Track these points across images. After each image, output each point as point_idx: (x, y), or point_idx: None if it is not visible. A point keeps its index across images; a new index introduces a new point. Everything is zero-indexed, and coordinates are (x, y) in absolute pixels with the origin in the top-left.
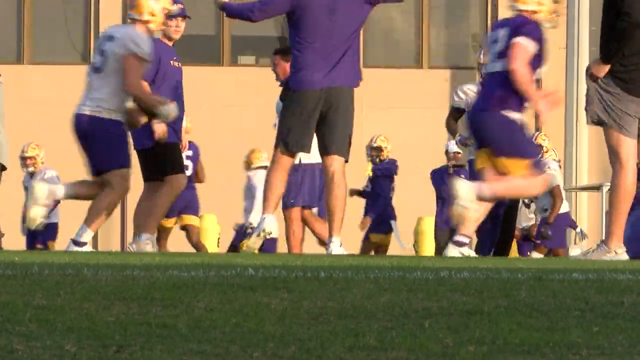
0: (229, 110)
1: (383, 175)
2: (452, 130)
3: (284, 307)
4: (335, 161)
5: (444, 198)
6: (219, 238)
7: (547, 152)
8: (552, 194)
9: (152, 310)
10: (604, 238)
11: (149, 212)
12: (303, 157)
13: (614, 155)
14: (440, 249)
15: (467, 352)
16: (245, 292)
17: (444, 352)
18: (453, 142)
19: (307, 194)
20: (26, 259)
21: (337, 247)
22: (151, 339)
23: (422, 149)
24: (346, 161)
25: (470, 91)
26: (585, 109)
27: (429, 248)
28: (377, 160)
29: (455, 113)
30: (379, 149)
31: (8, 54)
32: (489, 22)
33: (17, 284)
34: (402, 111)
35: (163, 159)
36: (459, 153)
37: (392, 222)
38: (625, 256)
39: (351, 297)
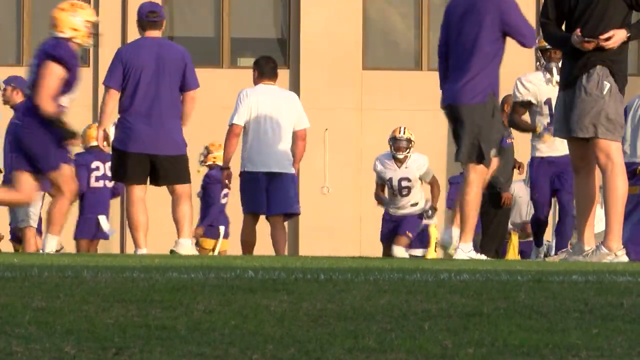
0: (229, 112)
1: (213, 182)
2: (519, 126)
3: (284, 309)
4: (467, 169)
5: None
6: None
7: (413, 146)
8: (430, 183)
9: (151, 312)
10: (602, 240)
11: (181, 222)
12: (247, 166)
13: (606, 157)
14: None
15: (467, 354)
16: (244, 294)
17: (443, 354)
18: None
19: (249, 201)
20: (25, 261)
21: (461, 253)
22: (150, 341)
23: (422, 152)
24: (484, 163)
25: (530, 83)
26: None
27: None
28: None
29: (520, 108)
30: None
31: (7, 56)
32: None
33: (17, 286)
34: (402, 113)
35: (187, 168)
36: None
37: (221, 227)
38: (625, 258)
39: (350, 299)
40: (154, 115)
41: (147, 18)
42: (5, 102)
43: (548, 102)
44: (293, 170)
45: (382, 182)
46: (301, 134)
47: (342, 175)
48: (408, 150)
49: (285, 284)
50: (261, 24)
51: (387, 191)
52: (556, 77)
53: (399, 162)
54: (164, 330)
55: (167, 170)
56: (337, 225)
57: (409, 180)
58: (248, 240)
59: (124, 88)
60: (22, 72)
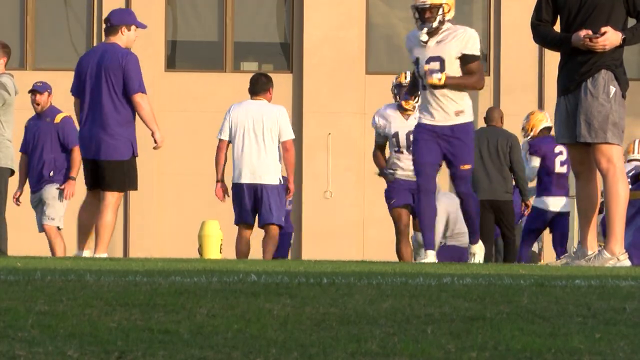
0: None
1: None
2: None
3: (287, 313)
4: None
5: None
6: (221, 244)
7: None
8: None
9: (154, 316)
10: (604, 244)
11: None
12: (234, 178)
13: (608, 162)
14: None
15: (469, 358)
16: (247, 298)
17: (446, 358)
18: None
19: (235, 212)
20: (28, 264)
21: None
22: (153, 344)
23: None
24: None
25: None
26: (587, 122)
27: None
28: None
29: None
30: None
31: (11, 60)
32: (492, 28)
33: (20, 289)
34: None
35: (123, 175)
36: None
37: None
38: (627, 262)
39: (353, 303)
40: (90, 122)
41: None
42: None
43: (417, 62)
44: (277, 182)
45: (383, 142)
46: (285, 145)
47: (345, 180)
48: (416, 99)
49: (288, 288)
50: (264, 29)
51: (390, 152)
52: (424, 38)
53: (406, 113)
54: (167, 334)
55: (103, 175)
56: (340, 230)
57: None
58: (241, 250)
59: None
60: (25, 76)
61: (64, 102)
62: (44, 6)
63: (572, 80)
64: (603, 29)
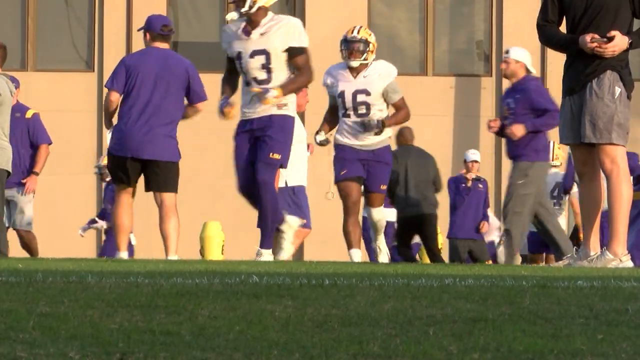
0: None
1: None
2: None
3: (288, 315)
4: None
5: (457, 207)
6: (223, 245)
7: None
8: (398, 106)
9: (155, 317)
10: (607, 245)
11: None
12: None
13: (612, 163)
14: (454, 257)
15: (471, 359)
16: (249, 299)
17: None
18: (471, 151)
19: None
20: (30, 266)
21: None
22: (155, 346)
23: None
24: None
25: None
26: (591, 123)
27: None
28: None
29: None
30: None
31: (12, 61)
32: (494, 29)
33: (21, 291)
34: None
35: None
36: (476, 161)
37: None
38: (630, 263)
39: (355, 305)
40: (144, 121)
41: (161, 31)
42: None
43: (239, 56)
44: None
45: (333, 103)
46: None
47: None
48: (365, 56)
49: (289, 289)
50: None
51: (340, 114)
52: (231, 16)
53: (355, 71)
54: (169, 336)
55: (156, 175)
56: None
57: (367, 93)
58: None
59: (125, 93)
60: (26, 77)
61: (67, 101)
62: (45, 7)
63: (577, 81)
64: (611, 34)
